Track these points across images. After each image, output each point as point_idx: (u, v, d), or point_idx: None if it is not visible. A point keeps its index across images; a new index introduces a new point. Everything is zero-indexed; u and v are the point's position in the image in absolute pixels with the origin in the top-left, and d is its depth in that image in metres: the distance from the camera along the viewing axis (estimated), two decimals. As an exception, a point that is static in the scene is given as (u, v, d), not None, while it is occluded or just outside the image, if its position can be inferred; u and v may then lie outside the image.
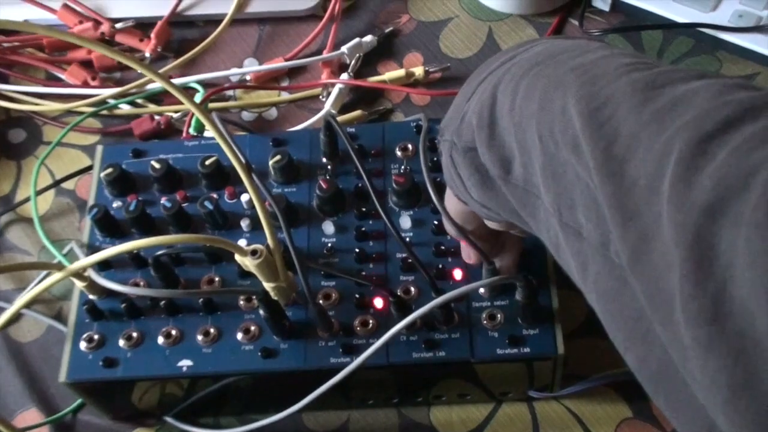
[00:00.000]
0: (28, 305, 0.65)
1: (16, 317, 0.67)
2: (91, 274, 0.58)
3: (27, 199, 0.73)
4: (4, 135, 0.79)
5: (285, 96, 0.79)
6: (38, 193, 0.72)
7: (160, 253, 0.58)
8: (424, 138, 0.60)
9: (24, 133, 0.79)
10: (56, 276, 0.53)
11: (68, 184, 0.75)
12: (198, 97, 0.75)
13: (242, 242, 0.61)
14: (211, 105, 0.77)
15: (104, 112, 0.78)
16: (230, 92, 0.79)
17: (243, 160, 0.53)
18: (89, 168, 0.72)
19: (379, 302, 0.58)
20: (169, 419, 0.64)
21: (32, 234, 0.72)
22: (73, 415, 0.65)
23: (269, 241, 0.54)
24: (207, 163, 0.63)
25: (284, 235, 0.56)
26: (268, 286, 0.56)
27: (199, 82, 0.78)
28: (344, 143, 0.60)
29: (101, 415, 0.64)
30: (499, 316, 0.57)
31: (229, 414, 0.64)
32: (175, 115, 0.76)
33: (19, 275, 0.70)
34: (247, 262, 0.54)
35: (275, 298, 0.56)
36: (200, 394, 0.62)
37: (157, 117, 0.76)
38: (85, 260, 0.53)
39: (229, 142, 0.50)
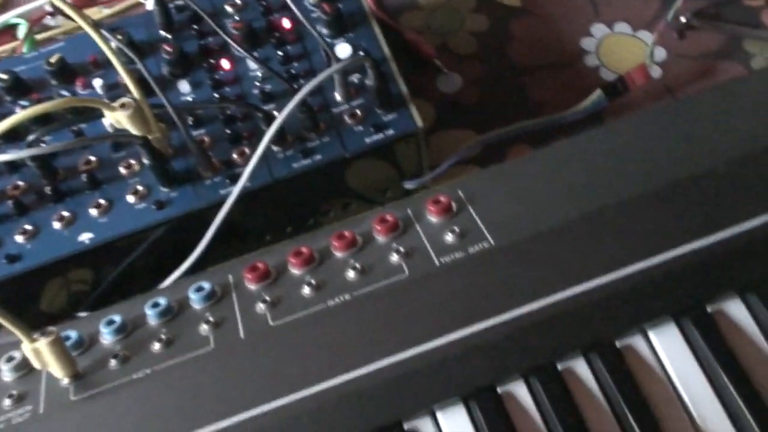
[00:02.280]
0: None
1: None
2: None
3: None
4: None
5: (107, 11, 0.81)
6: None
7: (31, 139, 0.60)
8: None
9: None
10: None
11: None
12: (22, 30, 0.77)
13: (105, 122, 0.64)
14: (38, 37, 0.79)
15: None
16: (52, 21, 0.81)
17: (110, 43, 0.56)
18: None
19: (248, 133, 0.63)
20: (81, 314, 0.66)
21: None
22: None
23: (134, 92, 0.58)
24: (52, 60, 0.66)
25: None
26: (144, 139, 0.59)
27: (19, 16, 0.79)
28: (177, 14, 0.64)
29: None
30: (358, 112, 0.63)
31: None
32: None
33: None
34: (119, 116, 0.57)
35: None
36: (105, 284, 0.64)
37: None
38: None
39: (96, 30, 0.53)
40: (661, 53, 0.74)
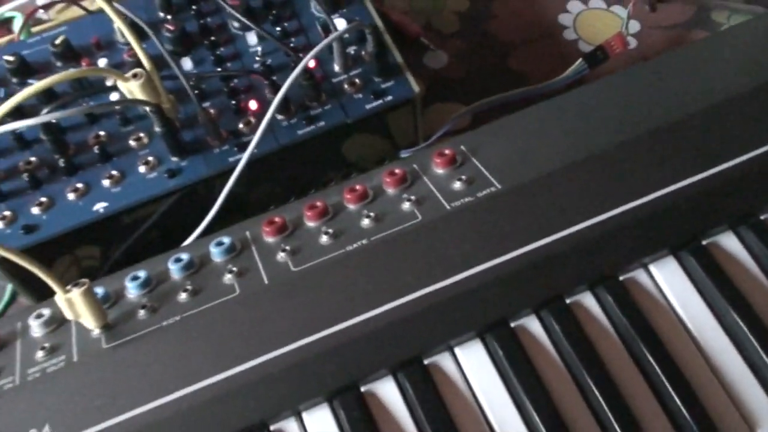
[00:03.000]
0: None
1: None
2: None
3: None
4: None
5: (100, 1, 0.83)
6: None
7: (45, 112, 0.62)
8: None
9: None
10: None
11: None
12: (17, 23, 0.79)
13: (113, 96, 0.66)
14: (34, 29, 0.81)
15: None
16: (45, 15, 0.83)
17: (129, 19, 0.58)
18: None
19: (253, 104, 0.65)
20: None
21: None
22: (5, 310, 0.68)
23: (145, 63, 0.60)
24: (57, 42, 0.68)
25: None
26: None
27: (13, 9, 0.81)
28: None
29: (31, 300, 0.67)
30: (357, 81, 0.66)
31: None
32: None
33: None
34: (132, 86, 0.60)
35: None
36: (117, 254, 0.66)
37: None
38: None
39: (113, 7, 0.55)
40: (635, 25, 0.78)
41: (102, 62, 0.68)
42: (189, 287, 0.52)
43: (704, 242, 0.53)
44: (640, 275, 0.52)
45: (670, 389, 0.47)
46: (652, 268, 0.52)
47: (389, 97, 0.65)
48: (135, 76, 0.59)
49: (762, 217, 0.53)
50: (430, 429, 0.47)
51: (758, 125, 0.54)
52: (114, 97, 0.65)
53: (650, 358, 0.48)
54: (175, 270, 0.54)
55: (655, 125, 0.56)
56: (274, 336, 0.49)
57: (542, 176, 0.54)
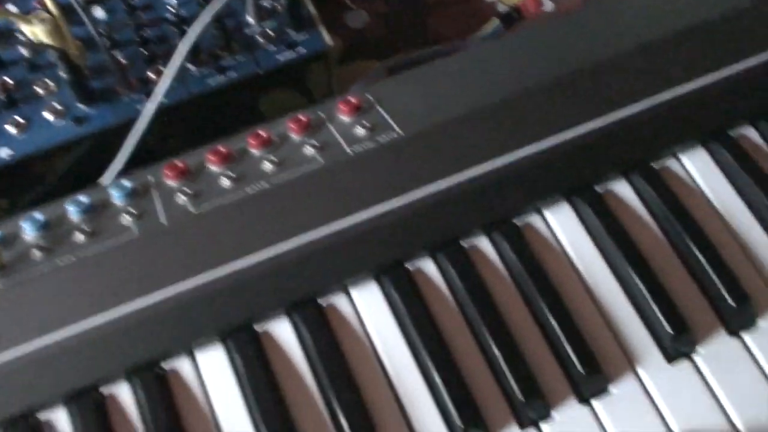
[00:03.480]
0: None
1: None
2: None
3: None
4: None
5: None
6: None
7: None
8: None
9: None
10: None
11: None
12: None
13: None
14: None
15: None
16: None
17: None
18: None
19: (164, 54, 0.65)
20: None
21: None
22: None
23: (51, 7, 0.59)
24: (-37, -14, 0.66)
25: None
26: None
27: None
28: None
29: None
30: (270, 32, 0.66)
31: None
32: None
33: None
34: (36, 30, 0.59)
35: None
36: (23, 205, 0.65)
37: None
38: None
39: None
40: (552, -11, 0.79)
41: (11, 8, 0.67)
42: (87, 229, 0.52)
43: (598, 189, 0.53)
44: (535, 220, 0.53)
45: (557, 328, 0.48)
46: (547, 213, 0.53)
47: (302, 50, 0.65)
48: (40, 20, 0.59)
49: (653, 165, 0.54)
50: (323, 369, 0.47)
51: (653, 76, 0.56)
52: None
53: (541, 303, 0.49)
54: (73, 212, 0.53)
55: (555, 75, 0.57)
56: (169, 274, 0.49)
57: (444, 122, 0.54)
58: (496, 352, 0.48)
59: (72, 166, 0.63)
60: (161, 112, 0.62)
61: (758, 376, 0.48)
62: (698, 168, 0.54)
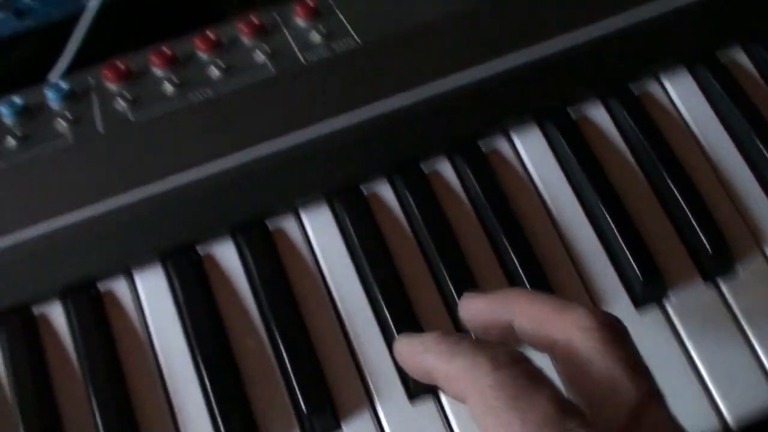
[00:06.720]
0: None
1: None
2: None
3: None
4: None
5: None
6: None
7: None
8: None
9: None
10: None
11: None
12: None
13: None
14: None
15: None
16: None
17: None
18: None
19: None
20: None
21: None
22: None
23: None
24: None
25: None
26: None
27: None
28: None
29: None
30: None
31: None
32: None
33: None
34: None
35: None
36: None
37: None
38: None
39: None
40: None
41: None
42: (19, 133, 0.48)
43: (571, 113, 0.50)
44: (502, 145, 0.49)
45: (516, 261, 0.45)
46: (514, 136, 0.49)
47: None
48: None
49: (633, 89, 0.50)
50: (265, 294, 0.45)
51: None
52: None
53: (501, 232, 0.46)
54: (6, 114, 0.50)
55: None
56: (104, 188, 0.46)
57: (404, 32, 0.50)
58: (443, 269, 0.45)
59: (12, 65, 0.59)
60: (110, 6, 0.57)
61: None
62: (681, 93, 0.50)
